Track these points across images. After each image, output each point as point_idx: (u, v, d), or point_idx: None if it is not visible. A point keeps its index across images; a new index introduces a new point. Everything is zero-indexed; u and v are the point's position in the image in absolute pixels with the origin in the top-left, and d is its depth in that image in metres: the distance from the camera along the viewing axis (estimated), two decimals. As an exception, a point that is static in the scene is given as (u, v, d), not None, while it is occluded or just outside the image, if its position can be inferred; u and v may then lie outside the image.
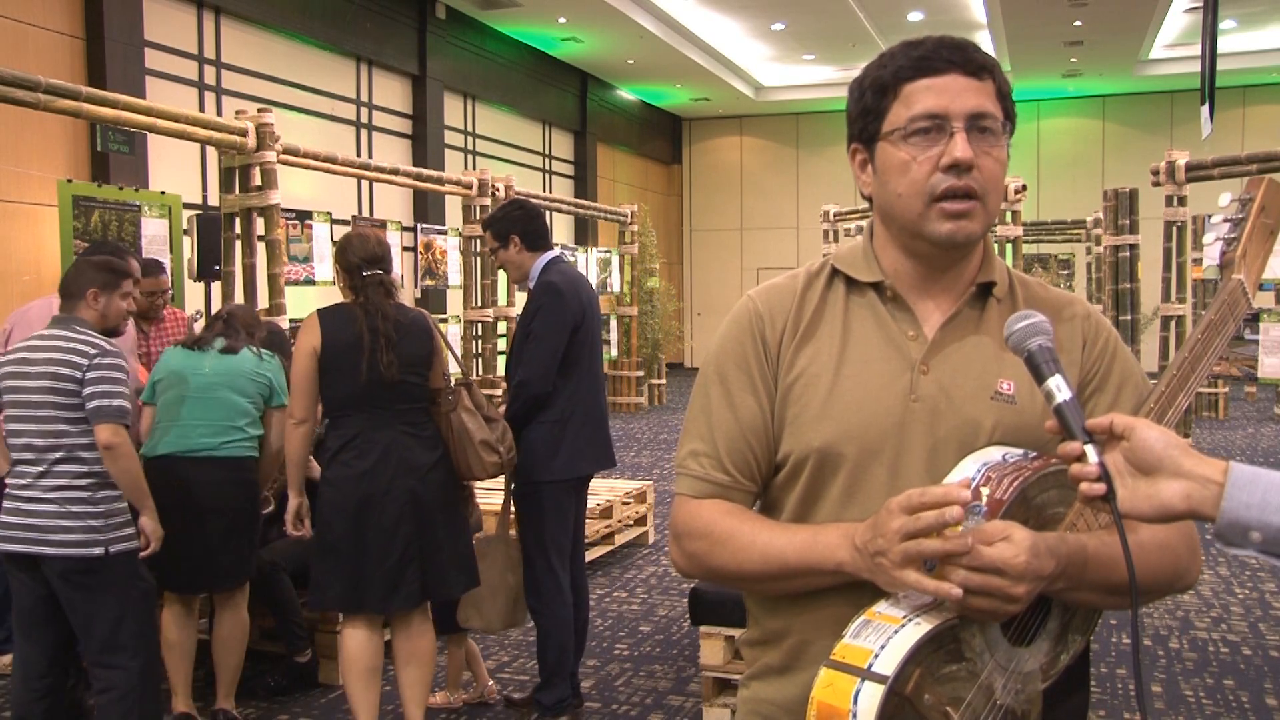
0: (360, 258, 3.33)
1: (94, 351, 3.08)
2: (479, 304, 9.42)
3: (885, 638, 1.10)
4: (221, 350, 3.68)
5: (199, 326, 5.31)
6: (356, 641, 3.29)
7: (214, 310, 7.52)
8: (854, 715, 1.07)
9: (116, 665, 3.09)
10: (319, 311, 3.34)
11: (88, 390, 3.05)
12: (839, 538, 1.22)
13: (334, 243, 7.33)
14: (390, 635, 3.44)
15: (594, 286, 13.53)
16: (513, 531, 3.70)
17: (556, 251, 3.81)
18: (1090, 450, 1.07)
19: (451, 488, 3.37)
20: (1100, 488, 1.06)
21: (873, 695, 1.06)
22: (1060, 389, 1.10)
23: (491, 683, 4.01)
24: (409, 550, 3.22)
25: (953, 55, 1.27)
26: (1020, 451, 1.24)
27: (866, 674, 1.08)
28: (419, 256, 9.42)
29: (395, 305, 3.34)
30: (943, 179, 1.25)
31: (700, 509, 1.35)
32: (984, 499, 1.15)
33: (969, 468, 1.20)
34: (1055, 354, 1.13)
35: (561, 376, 3.58)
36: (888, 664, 1.08)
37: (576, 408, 3.61)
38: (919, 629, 1.10)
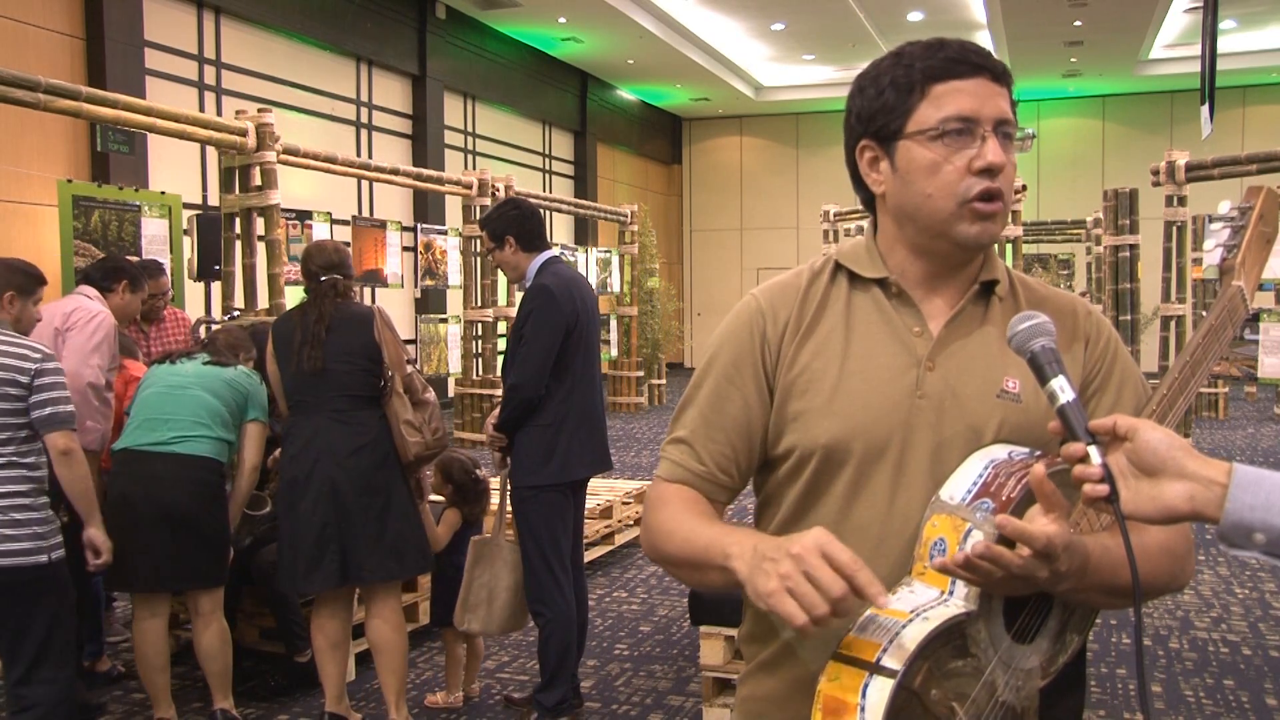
0: (318, 265, 3.57)
1: (38, 356, 2.98)
2: (479, 304, 9.43)
3: (893, 632, 1.10)
4: (205, 363, 3.69)
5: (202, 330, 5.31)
6: (319, 619, 3.53)
7: (213, 310, 7.52)
8: (862, 709, 1.06)
9: (43, 680, 2.97)
10: (273, 322, 3.68)
11: (39, 397, 2.95)
12: (745, 536, 1.21)
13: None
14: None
15: (594, 287, 13.57)
16: (510, 533, 3.71)
17: (554, 251, 3.78)
18: (1093, 451, 1.07)
19: (379, 475, 3.44)
20: (1104, 489, 1.05)
21: (882, 689, 1.06)
22: (1063, 390, 1.10)
23: (476, 684, 4.02)
24: (326, 533, 3.38)
25: (983, 60, 1.28)
26: (1026, 450, 1.24)
27: (875, 668, 1.08)
28: (419, 256, 9.43)
29: (340, 304, 3.54)
30: (976, 182, 1.26)
31: (665, 489, 1.38)
32: (988, 496, 1.15)
33: (975, 465, 1.21)
34: (1058, 355, 1.13)
35: (555, 380, 3.56)
36: (897, 658, 1.07)
37: (571, 411, 3.58)
38: (927, 624, 1.10)
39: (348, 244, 8.35)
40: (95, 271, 3.99)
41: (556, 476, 3.56)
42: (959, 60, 1.27)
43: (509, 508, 3.70)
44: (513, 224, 3.71)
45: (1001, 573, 1.08)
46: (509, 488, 3.66)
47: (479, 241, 9.19)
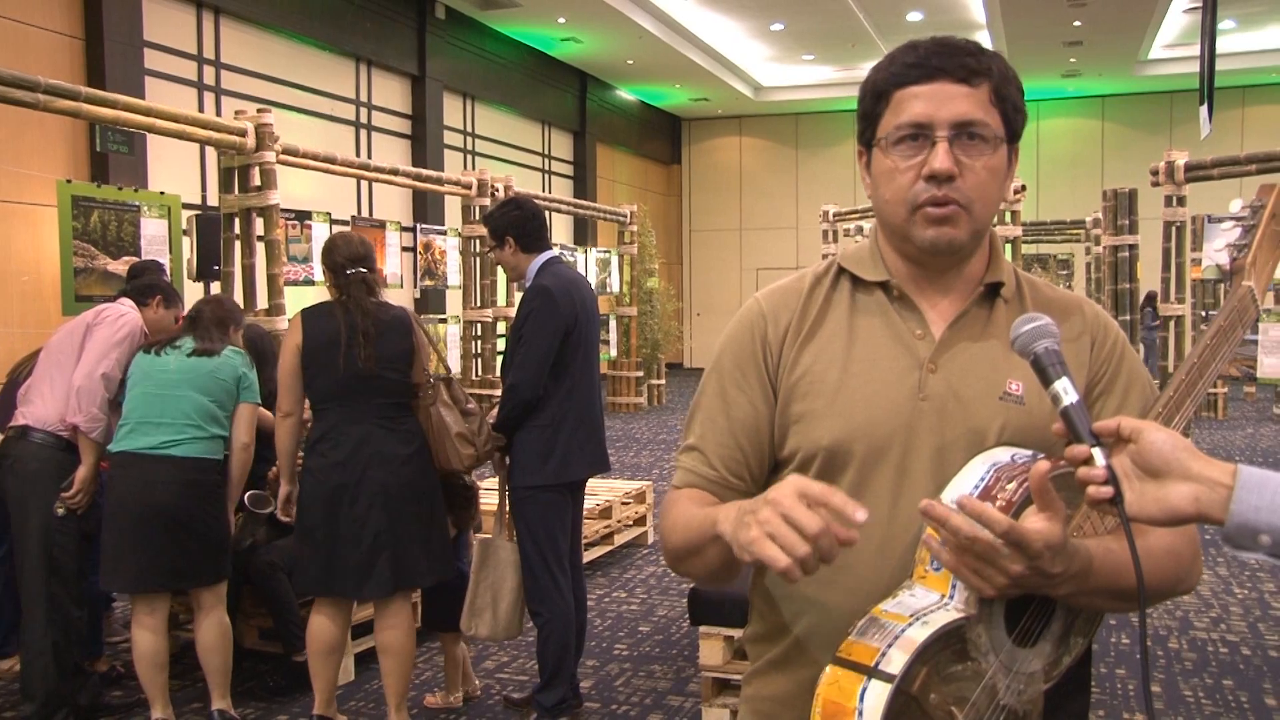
0: (345, 257, 3.46)
1: None
2: (478, 304, 9.43)
3: (892, 636, 1.10)
4: (191, 353, 3.63)
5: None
6: (319, 623, 3.46)
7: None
8: (860, 713, 1.06)
9: None
10: (302, 310, 3.50)
11: None
12: (733, 504, 1.21)
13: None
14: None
15: (593, 287, 13.39)
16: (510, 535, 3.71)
17: (554, 252, 3.78)
18: (1097, 453, 1.06)
19: (425, 481, 3.44)
20: (1108, 491, 1.05)
21: (879, 693, 1.06)
22: (1067, 392, 1.10)
23: (476, 683, 4.01)
24: (379, 539, 3.34)
25: (943, 62, 1.26)
26: (1029, 452, 1.23)
27: (873, 672, 1.08)
28: (418, 257, 9.42)
29: (376, 302, 3.45)
30: (923, 189, 1.25)
31: (678, 495, 1.39)
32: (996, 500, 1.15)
33: (978, 468, 1.20)
34: (1062, 357, 1.12)
35: (554, 380, 3.56)
36: (895, 662, 1.07)
37: (569, 412, 3.59)
38: (926, 628, 1.10)
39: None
40: (131, 289, 4.10)
41: (555, 477, 3.56)
42: (918, 65, 1.26)
43: (509, 509, 3.70)
44: (514, 224, 3.70)
45: (952, 539, 1.09)
46: (507, 488, 3.66)
47: (478, 242, 9.20)
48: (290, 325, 3.49)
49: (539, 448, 3.55)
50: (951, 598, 1.14)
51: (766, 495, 1.10)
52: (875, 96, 1.30)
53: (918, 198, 1.26)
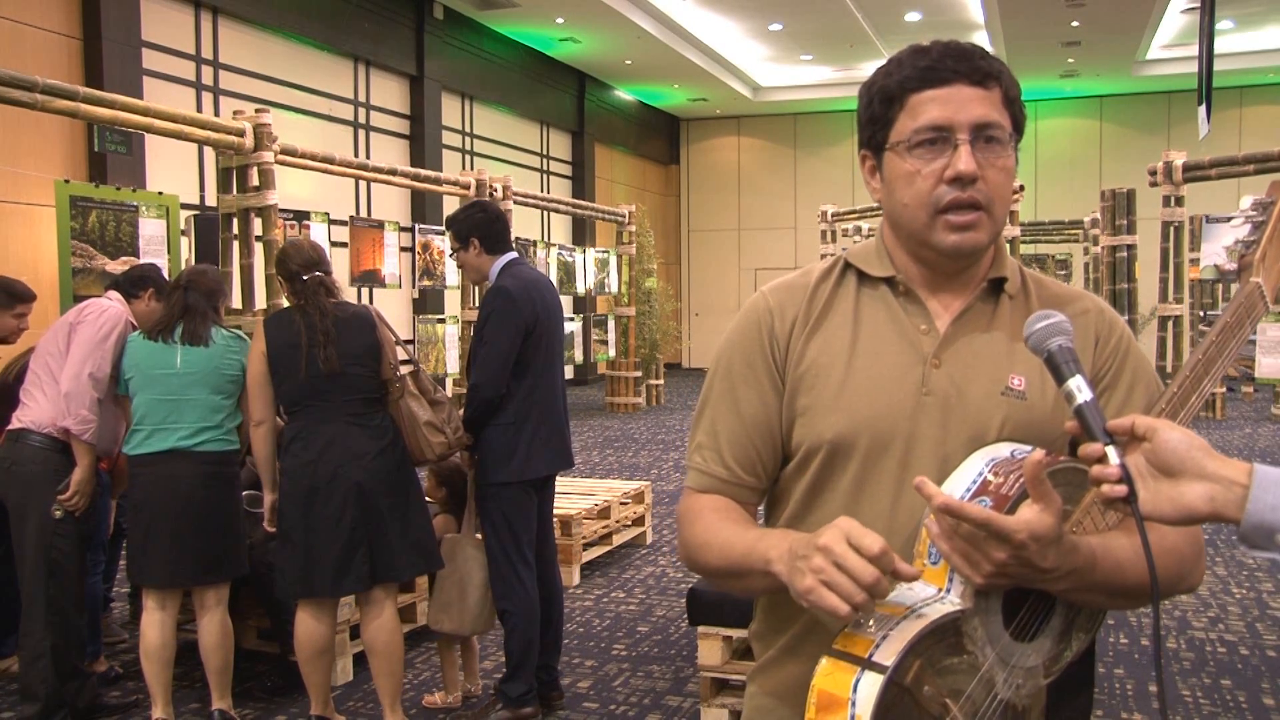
0: (299, 264, 3.49)
1: None
2: (475, 304, 9.42)
3: (887, 628, 1.11)
4: (186, 340, 3.59)
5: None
6: (305, 627, 3.46)
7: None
8: (853, 704, 1.07)
9: None
10: (264, 319, 3.56)
11: None
12: (780, 538, 1.22)
13: (331, 244, 7.32)
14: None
15: (592, 287, 13.33)
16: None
17: (515, 254, 3.84)
18: (1111, 451, 1.06)
19: (400, 475, 3.47)
20: (1122, 489, 1.04)
21: (872, 685, 1.07)
22: (1081, 389, 1.09)
23: (478, 683, 4.02)
24: (355, 536, 3.36)
25: (958, 65, 1.26)
26: (1029, 448, 1.23)
27: (867, 663, 1.08)
28: (416, 257, 9.42)
29: (336, 302, 3.49)
30: (947, 191, 1.26)
31: (696, 501, 1.38)
32: (989, 493, 1.15)
33: (977, 463, 1.20)
34: (1075, 354, 1.12)
35: (516, 379, 3.62)
36: (888, 654, 1.08)
37: (532, 410, 3.65)
38: (921, 620, 1.10)
39: (344, 244, 8.35)
40: (123, 279, 4.03)
41: (518, 474, 3.62)
42: (933, 68, 1.27)
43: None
44: (479, 226, 3.76)
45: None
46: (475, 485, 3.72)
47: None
48: (254, 334, 3.51)
49: (503, 445, 3.61)
50: (949, 591, 1.14)
51: (817, 541, 1.11)
52: (886, 100, 1.30)
53: (940, 200, 1.26)
